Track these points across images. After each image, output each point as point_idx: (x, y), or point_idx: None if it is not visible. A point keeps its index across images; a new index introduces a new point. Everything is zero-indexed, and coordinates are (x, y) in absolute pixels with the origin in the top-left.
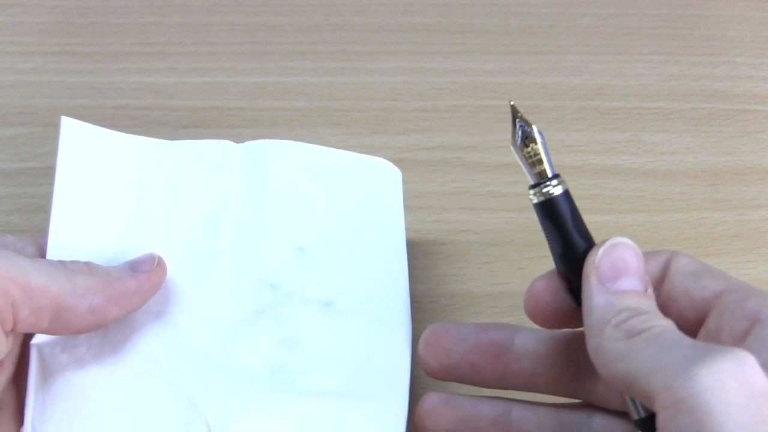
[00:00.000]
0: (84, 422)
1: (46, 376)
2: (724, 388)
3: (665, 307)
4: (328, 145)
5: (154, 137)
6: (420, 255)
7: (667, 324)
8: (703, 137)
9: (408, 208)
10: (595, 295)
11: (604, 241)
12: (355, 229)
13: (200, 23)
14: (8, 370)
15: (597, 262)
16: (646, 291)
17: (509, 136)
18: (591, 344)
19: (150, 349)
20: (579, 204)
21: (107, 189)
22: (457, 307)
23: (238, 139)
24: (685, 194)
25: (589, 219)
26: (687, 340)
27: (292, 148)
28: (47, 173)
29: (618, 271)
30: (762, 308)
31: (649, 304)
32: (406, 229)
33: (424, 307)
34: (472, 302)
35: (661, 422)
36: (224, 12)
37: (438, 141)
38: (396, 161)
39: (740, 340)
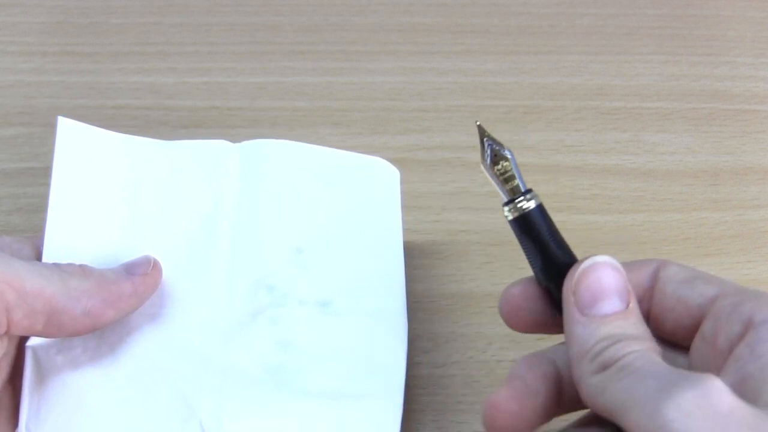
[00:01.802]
0: (79, 423)
1: (42, 378)
2: (689, 417)
3: (659, 317)
4: (328, 145)
5: (154, 137)
6: (420, 255)
7: (642, 347)
8: (703, 137)
9: (408, 208)
10: (575, 325)
11: (580, 263)
12: (352, 229)
13: (200, 23)
14: (4, 371)
15: (573, 288)
16: (627, 306)
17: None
18: (574, 375)
19: (146, 350)
20: (579, 204)
21: (104, 190)
22: (457, 307)
23: (238, 139)
24: (685, 194)
25: (589, 219)
26: (657, 367)
27: (289, 147)
28: (47, 173)
29: (595, 294)
30: (756, 312)
31: (628, 324)
32: (406, 229)
33: (423, 307)
34: (472, 302)
35: None
36: (224, 12)
37: (438, 141)
38: (396, 161)
39: (735, 343)
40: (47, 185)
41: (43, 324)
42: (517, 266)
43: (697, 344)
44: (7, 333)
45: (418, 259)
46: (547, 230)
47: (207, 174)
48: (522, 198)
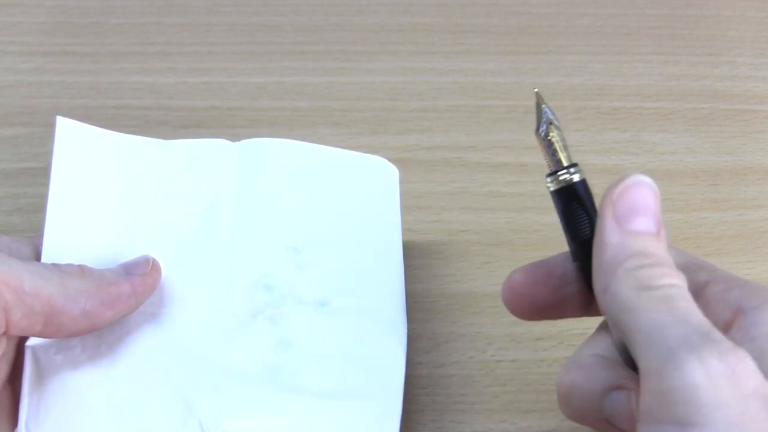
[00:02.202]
0: (79, 423)
1: (41, 378)
2: (717, 389)
3: None
4: (328, 145)
5: (154, 137)
6: (420, 255)
7: (679, 283)
8: (703, 137)
9: (408, 208)
10: (610, 232)
11: (623, 177)
12: (351, 228)
13: (200, 23)
14: (3, 371)
15: (615, 199)
16: (658, 233)
17: (511, 135)
18: (599, 282)
19: (145, 350)
20: None
21: (102, 189)
22: (457, 307)
23: (238, 139)
24: (685, 194)
25: None
26: (694, 315)
27: (287, 146)
28: (47, 173)
29: (635, 209)
30: (745, 299)
31: (661, 248)
32: (406, 229)
33: (423, 307)
34: (472, 302)
35: (645, 405)
36: (224, 12)
37: (438, 141)
38: (396, 161)
39: (724, 331)
40: (47, 185)
41: (41, 324)
42: (517, 266)
43: None
44: (6, 333)
45: (417, 259)
46: (589, 205)
47: (205, 173)
48: (566, 171)
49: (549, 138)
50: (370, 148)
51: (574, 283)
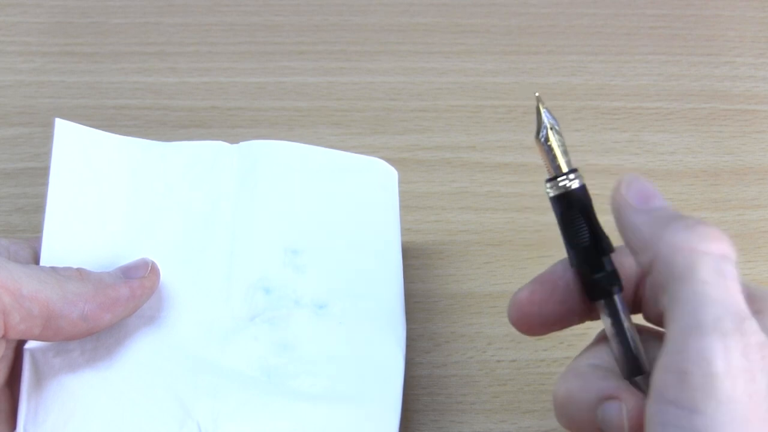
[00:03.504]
0: (77, 425)
1: (39, 380)
2: (733, 381)
3: (651, 300)
4: (327, 145)
5: (154, 137)
6: (420, 255)
7: (731, 255)
8: (703, 137)
9: (408, 208)
10: (635, 215)
11: (618, 179)
12: (349, 230)
13: (200, 23)
14: (2, 374)
15: (624, 191)
16: None
17: (511, 135)
18: (643, 254)
19: (143, 353)
20: None
21: (101, 191)
22: (457, 307)
23: (238, 139)
24: (685, 194)
25: None
26: (736, 297)
27: (286, 148)
28: (47, 173)
29: (646, 196)
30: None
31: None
32: (406, 229)
33: (424, 307)
34: (472, 302)
35: (659, 383)
36: (224, 12)
37: (438, 141)
38: (396, 161)
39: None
40: (47, 185)
41: (40, 328)
42: (517, 266)
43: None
44: (4, 337)
45: (418, 259)
46: (588, 210)
47: (204, 175)
48: (565, 177)
49: (549, 143)
50: (370, 148)
51: (577, 291)
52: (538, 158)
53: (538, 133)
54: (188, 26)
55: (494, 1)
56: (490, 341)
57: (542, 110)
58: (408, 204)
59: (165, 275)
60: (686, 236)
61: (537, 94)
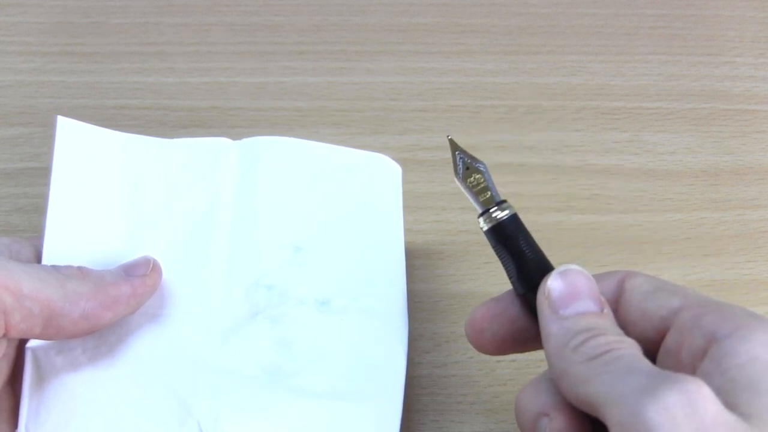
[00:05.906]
0: (78, 424)
1: (41, 379)
2: (674, 423)
3: (625, 329)
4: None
5: (154, 137)
6: (420, 255)
7: (627, 344)
8: (703, 137)
9: (408, 208)
10: (550, 323)
11: (552, 271)
12: (352, 226)
13: (200, 23)
14: (3, 373)
15: (547, 292)
16: (602, 311)
17: (511, 135)
18: (554, 371)
19: (145, 351)
20: (579, 204)
21: (103, 189)
22: (457, 307)
23: (238, 139)
24: (685, 194)
25: (589, 219)
26: (643, 365)
27: (288, 144)
28: (47, 173)
29: (570, 296)
30: (718, 326)
31: (606, 323)
32: (406, 229)
33: (424, 307)
34: (472, 302)
35: None
36: (224, 12)
37: (438, 141)
38: (396, 161)
39: (698, 358)
40: (47, 185)
41: (41, 327)
42: None
43: (661, 357)
44: (5, 336)
45: (418, 259)
46: (522, 239)
47: (206, 171)
48: (496, 208)
49: (469, 181)
50: (370, 149)
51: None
52: (538, 158)
53: (455, 173)
54: (188, 26)
55: (494, 1)
56: None
57: (456, 152)
58: (408, 204)
59: (166, 273)
60: (580, 360)
61: (449, 137)
